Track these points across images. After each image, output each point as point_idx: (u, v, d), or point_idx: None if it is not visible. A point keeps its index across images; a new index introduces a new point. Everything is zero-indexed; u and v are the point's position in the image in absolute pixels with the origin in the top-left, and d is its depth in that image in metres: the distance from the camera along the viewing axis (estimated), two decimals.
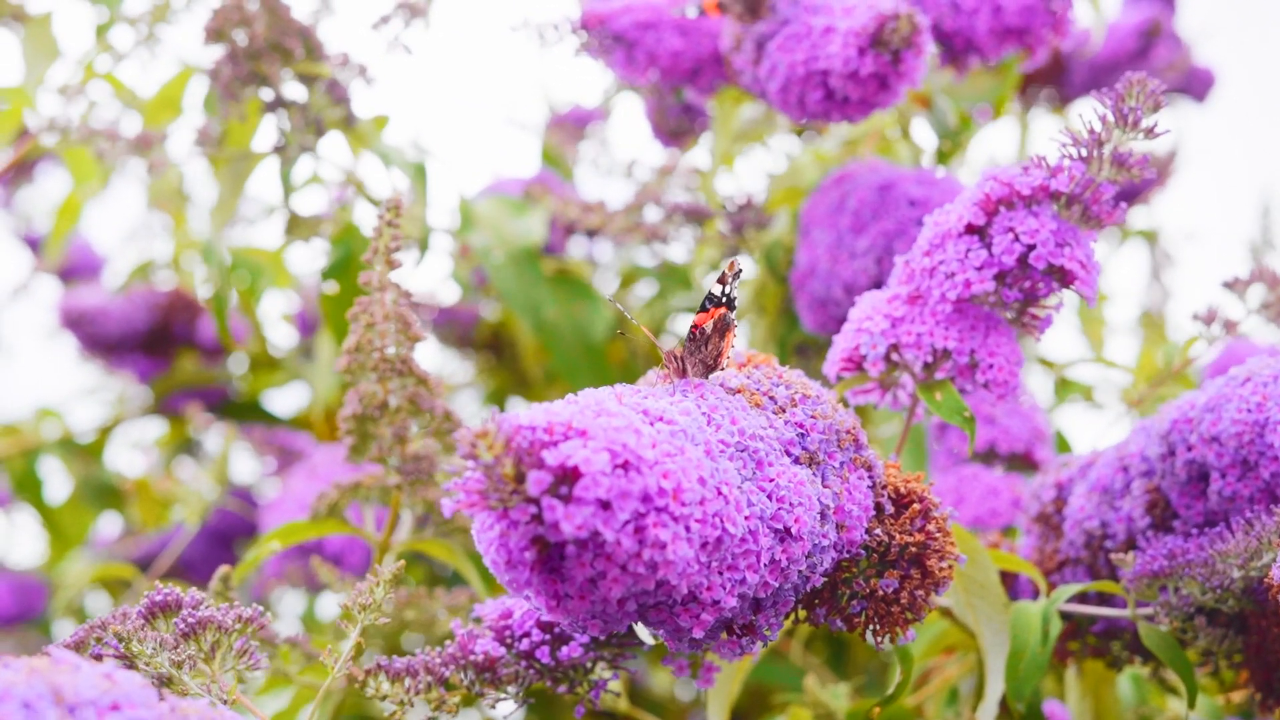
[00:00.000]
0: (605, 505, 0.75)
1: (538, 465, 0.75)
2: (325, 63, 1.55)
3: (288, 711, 1.30)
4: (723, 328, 1.00)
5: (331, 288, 1.69)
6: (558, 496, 0.75)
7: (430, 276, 2.49)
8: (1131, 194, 2.20)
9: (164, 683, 0.93)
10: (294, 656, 1.25)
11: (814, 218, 1.62)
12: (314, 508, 1.36)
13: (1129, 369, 1.67)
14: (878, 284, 1.54)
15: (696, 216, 1.78)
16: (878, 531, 0.98)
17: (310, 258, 1.81)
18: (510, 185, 2.07)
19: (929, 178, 1.57)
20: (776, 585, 0.89)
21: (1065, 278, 1.08)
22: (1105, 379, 2.08)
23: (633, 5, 1.57)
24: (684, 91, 1.74)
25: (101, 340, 2.27)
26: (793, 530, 0.88)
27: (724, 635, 0.93)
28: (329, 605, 2.05)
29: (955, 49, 1.57)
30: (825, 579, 0.97)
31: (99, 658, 0.93)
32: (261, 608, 0.97)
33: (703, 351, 0.99)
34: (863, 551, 0.98)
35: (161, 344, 2.30)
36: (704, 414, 0.90)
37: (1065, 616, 1.21)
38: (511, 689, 1.03)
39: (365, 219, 1.71)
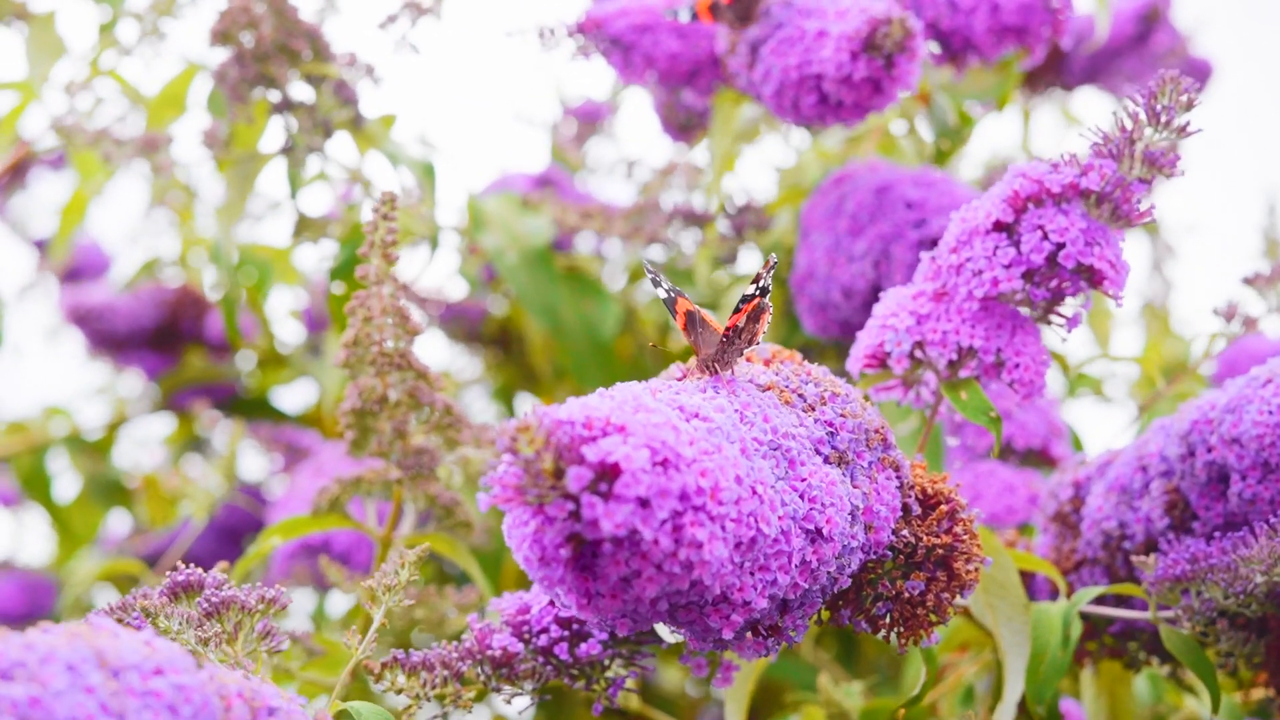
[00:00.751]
0: (644, 503, 0.75)
1: (578, 461, 0.74)
2: (332, 63, 1.54)
3: None
4: (756, 314, 0.99)
5: (339, 288, 1.69)
6: (597, 493, 0.75)
7: (437, 272, 2.48)
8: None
9: None
10: (295, 653, 1.25)
11: (813, 220, 1.61)
12: (316, 503, 1.35)
13: (1137, 361, 1.67)
14: (875, 287, 1.54)
15: (696, 219, 1.78)
16: (904, 533, 0.97)
17: (318, 255, 1.80)
18: (518, 181, 2.06)
19: (927, 179, 1.56)
20: (806, 587, 0.88)
21: (1094, 277, 1.07)
22: (1112, 373, 2.08)
23: (629, 8, 1.57)
24: (682, 93, 1.73)
25: (109, 337, 2.27)
26: (824, 531, 0.88)
27: (749, 636, 0.92)
28: (338, 603, 2.05)
29: (953, 48, 1.57)
30: (851, 580, 0.96)
31: None
32: (283, 589, 0.97)
33: (737, 342, 0.99)
34: (889, 553, 0.97)
35: (169, 341, 2.30)
36: (737, 411, 0.89)
37: (1083, 617, 1.20)
38: (528, 685, 1.03)
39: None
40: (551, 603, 1.01)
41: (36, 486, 2.31)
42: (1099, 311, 2.19)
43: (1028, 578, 1.28)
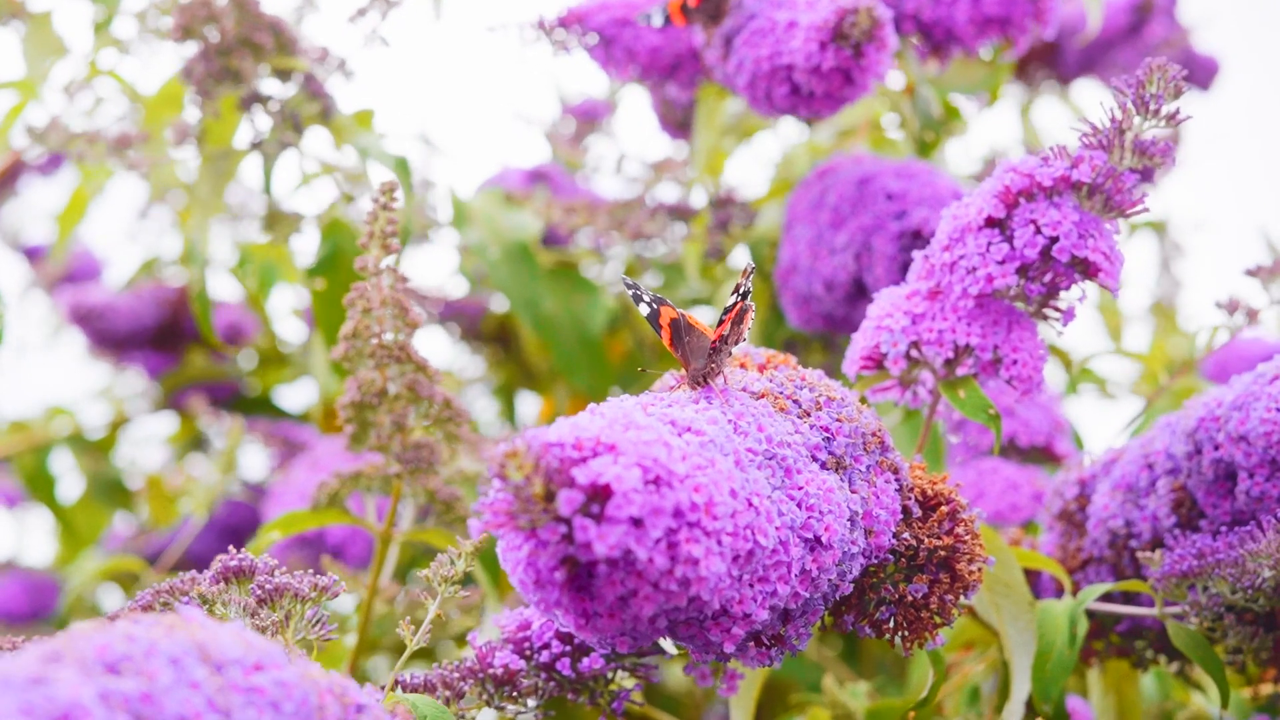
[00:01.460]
0: (637, 523, 0.74)
1: (568, 484, 0.73)
2: (300, 57, 1.53)
3: None
4: (740, 317, 0.98)
5: (319, 284, 1.67)
6: (589, 516, 0.74)
7: (438, 270, 2.48)
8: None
9: None
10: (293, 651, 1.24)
11: (796, 213, 1.60)
12: (314, 497, 1.35)
13: (1142, 357, 1.66)
14: (857, 280, 1.54)
15: (681, 214, 1.77)
16: (905, 535, 0.97)
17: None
18: (512, 176, 2.05)
19: (909, 170, 1.55)
20: (807, 595, 0.88)
21: (1089, 270, 1.06)
22: (1116, 369, 2.07)
23: (610, 2, 1.57)
24: (667, 86, 1.72)
25: (110, 336, 2.26)
26: (823, 539, 0.87)
27: (752, 646, 0.92)
28: (338, 602, 2.04)
29: (935, 39, 1.56)
30: (853, 585, 0.95)
31: None
32: (335, 577, 0.95)
33: (725, 350, 0.97)
34: (890, 556, 0.96)
35: (171, 339, 2.29)
36: (730, 422, 0.88)
37: (1089, 615, 1.19)
38: (531, 702, 1.02)
39: (350, 214, 1.69)
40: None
41: (40, 487, 2.31)
42: (1110, 307, 2.17)
43: (1033, 576, 1.27)
